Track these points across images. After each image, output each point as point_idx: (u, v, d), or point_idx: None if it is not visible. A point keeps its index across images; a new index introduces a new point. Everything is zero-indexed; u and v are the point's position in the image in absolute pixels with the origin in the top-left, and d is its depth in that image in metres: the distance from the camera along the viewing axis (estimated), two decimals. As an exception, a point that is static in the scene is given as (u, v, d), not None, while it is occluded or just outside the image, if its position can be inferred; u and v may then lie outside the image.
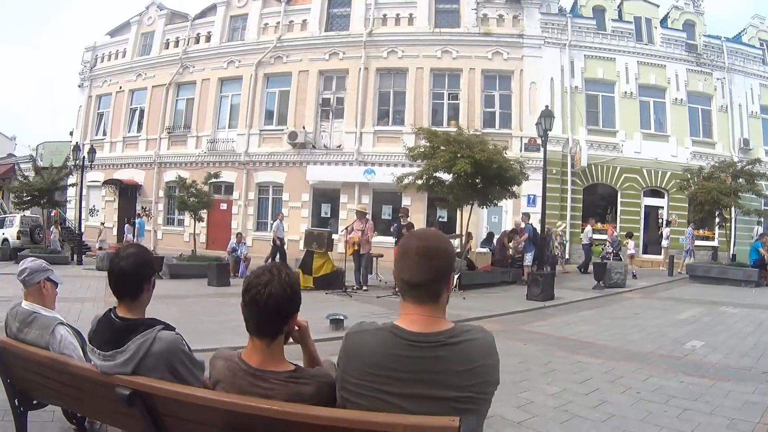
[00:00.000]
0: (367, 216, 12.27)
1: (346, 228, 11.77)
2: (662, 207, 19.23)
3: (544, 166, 13.08)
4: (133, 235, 18.81)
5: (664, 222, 18.27)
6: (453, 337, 1.60)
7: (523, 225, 13.78)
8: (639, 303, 10.42)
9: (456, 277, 10.75)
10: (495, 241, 14.77)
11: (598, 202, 19.14)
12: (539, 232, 13.12)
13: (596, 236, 18.33)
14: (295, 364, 1.85)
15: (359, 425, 1.53)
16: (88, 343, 2.20)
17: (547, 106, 13.73)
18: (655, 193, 19.18)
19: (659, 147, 18.91)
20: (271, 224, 19.40)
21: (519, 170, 12.63)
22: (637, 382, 4.81)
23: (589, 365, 5.46)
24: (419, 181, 12.50)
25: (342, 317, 7.04)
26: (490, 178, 11.99)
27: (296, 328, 1.94)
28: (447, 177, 12.26)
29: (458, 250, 13.13)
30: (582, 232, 17.30)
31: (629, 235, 16.37)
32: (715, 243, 18.00)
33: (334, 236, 13.11)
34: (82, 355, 2.42)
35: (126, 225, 19.31)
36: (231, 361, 1.84)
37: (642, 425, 3.74)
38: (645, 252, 18.70)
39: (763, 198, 18.96)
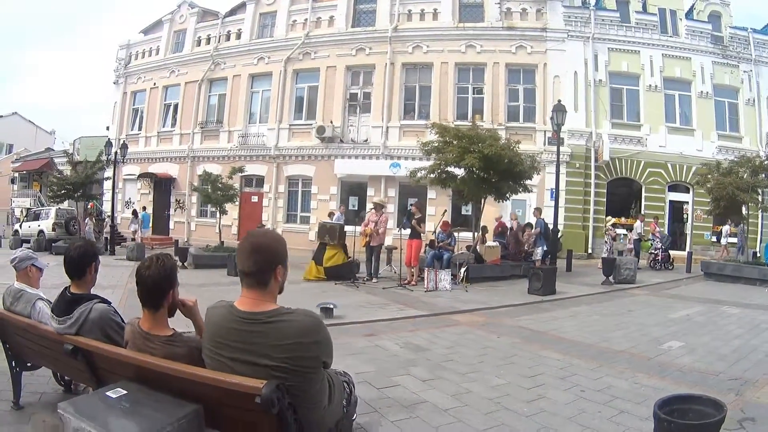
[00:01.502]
0: (384, 209, 12.57)
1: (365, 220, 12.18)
2: (687, 202, 19.22)
3: (557, 160, 13.44)
4: (139, 227, 19.67)
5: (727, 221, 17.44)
6: (272, 317, 2.06)
7: (535, 219, 14.03)
8: (640, 300, 10.20)
9: (463, 270, 11.15)
10: (509, 234, 15.03)
11: (623, 197, 19.09)
12: (553, 225, 13.37)
13: (619, 230, 18.68)
14: (174, 330, 2.49)
15: (199, 379, 2.11)
16: (51, 312, 3.00)
17: (559, 101, 14.02)
18: (680, 187, 19.15)
19: (684, 141, 18.85)
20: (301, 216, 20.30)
21: (530, 164, 12.75)
22: (588, 380, 4.76)
23: (549, 361, 5.45)
24: (431, 176, 12.73)
25: (332, 306, 7.37)
26: (501, 173, 12.14)
27: (183, 305, 2.57)
28: (459, 171, 12.46)
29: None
30: (606, 226, 17.18)
31: (630, 229, 16.83)
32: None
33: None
34: (53, 324, 3.03)
35: (132, 217, 20.16)
36: (133, 326, 2.51)
37: (565, 423, 3.72)
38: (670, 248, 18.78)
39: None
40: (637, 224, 16.31)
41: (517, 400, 4.18)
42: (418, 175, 13.32)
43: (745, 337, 6.71)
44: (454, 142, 12.24)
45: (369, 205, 18.80)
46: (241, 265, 2.15)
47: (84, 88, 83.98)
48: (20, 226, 22.97)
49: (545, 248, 13.77)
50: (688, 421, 2.81)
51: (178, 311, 2.58)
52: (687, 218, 19.10)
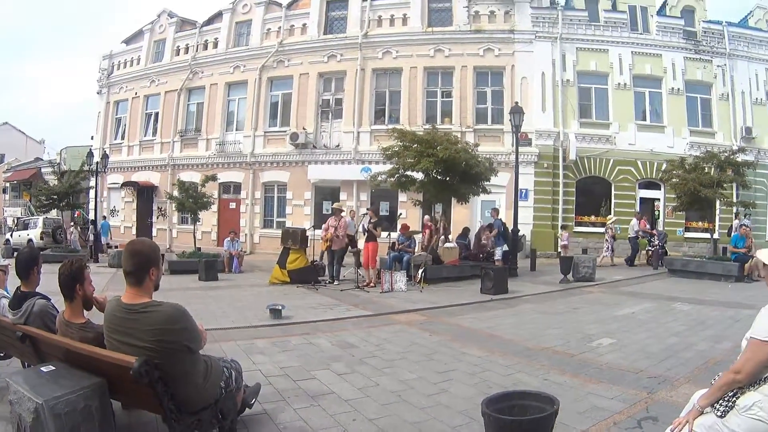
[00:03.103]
0: (342, 214, 12.88)
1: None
2: (658, 199, 19.29)
3: (515, 161, 13.66)
4: (95, 235, 19.86)
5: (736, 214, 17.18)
6: (145, 308, 2.65)
7: (493, 220, 14.24)
8: (591, 298, 10.24)
9: (421, 271, 11.42)
10: (473, 236, 15.24)
11: (592, 195, 19.21)
12: (513, 225, 13.59)
13: (592, 230, 18.85)
14: (88, 319, 3.25)
15: (96, 356, 2.76)
16: (8, 306, 3.71)
17: (516, 102, 14.19)
18: (651, 185, 19.20)
19: (655, 138, 18.90)
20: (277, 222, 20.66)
21: (487, 166, 12.99)
22: (499, 376, 4.89)
23: (469, 357, 5.57)
24: (391, 179, 13.03)
25: (280, 307, 7.74)
26: (460, 175, 12.38)
27: (97, 302, 3.31)
28: (419, 175, 12.71)
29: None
30: (608, 225, 17.20)
31: (564, 227, 17.14)
32: (716, 235, 17.71)
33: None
34: (9, 316, 3.67)
35: (72, 227, 20.47)
36: (60, 317, 3.26)
37: (454, 415, 3.91)
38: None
39: (759, 189, 18.96)
40: (634, 222, 16.40)
41: (418, 393, 4.41)
42: (379, 179, 13.67)
43: (685, 335, 6.68)
44: (413, 146, 12.51)
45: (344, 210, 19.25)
46: (123, 267, 2.74)
47: (75, 95, 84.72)
48: (11, 235, 23.39)
49: (506, 248, 13.95)
50: (515, 417, 2.84)
51: (95, 305, 3.32)
52: (658, 215, 19.17)
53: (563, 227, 17.43)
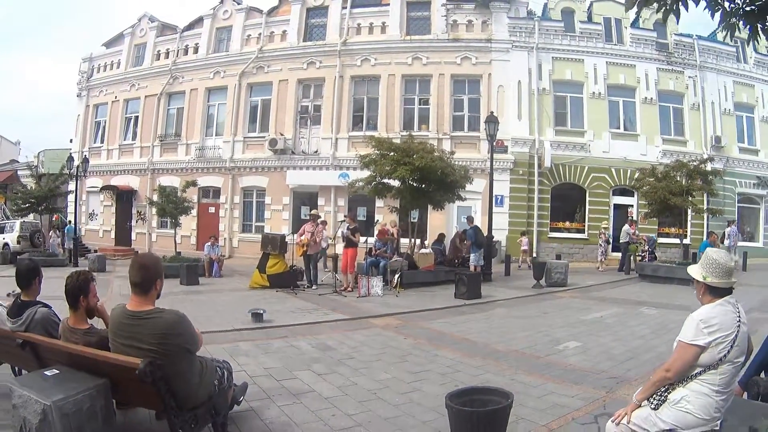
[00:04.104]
0: (319, 220, 13.09)
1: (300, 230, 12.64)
2: (632, 205, 19.62)
3: (490, 169, 13.90)
4: (62, 240, 19.92)
5: (729, 222, 17.74)
6: (149, 315, 2.92)
7: (468, 227, 14.44)
8: (562, 302, 10.48)
9: (397, 276, 11.63)
10: (449, 242, 15.45)
11: (567, 202, 19.54)
12: (487, 231, 13.81)
13: (567, 236, 19.18)
14: (91, 325, 3.51)
15: (101, 358, 2.99)
16: (6, 314, 3.82)
17: (492, 112, 14.46)
18: (625, 191, 19.55)
19: (628, 146, 19.33)
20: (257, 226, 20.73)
21: (462, 175, 13.29)
22: (468, 376, 5.12)
23: (441, 359, 5.83)
24: (368, 186, 13.27)
25: (261, 311, 8.00)
26: (436, 183, 12.67)
27: (97, 310, 3.55)
28: (396, 182, 12.98)
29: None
30: (601, 230, 17.47)
31: (523, 233, 17.59)
32: (687, 240, 18.18)
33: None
34: (8, 324, 3.80)
35: (50, 231, 20.32)
36: (63, 323, 3.53)
37: (426, 411, 4.17)
38: (615, 250, 19.12)
39: (727, 195, 19.48)
40: (626, 228, 16.57)
41: (393, 392, 4.69)
42: (356, 185, 13.88)
43: (648, 338, 6.98)
44: (390, 154, 12.75)
45: (320, 216, 19.34)
46: (131, 278, 3.00)
47: (50, 95, 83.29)
48: None
49: (481, 254, 14.05)
50: (474, 408, 3.16)
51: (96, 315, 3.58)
52: (631, 221, 19.47)
53: (523, 233, 17.82)
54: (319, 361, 5.75)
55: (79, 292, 3.40)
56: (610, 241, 17.29)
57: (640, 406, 2.70)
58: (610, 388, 4.75)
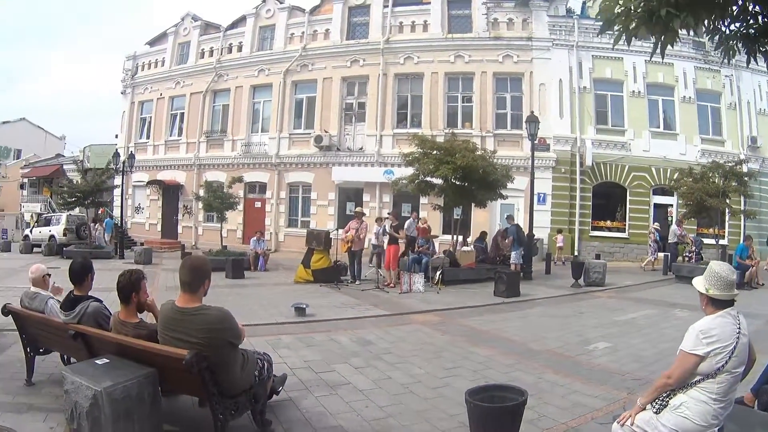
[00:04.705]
0: (363, 217, 13.45)
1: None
2: (671, 205, 19.77)
3: (531, 168, 14.20)
4: (102, 234, 20.58)
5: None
6: (196, 311, 3.21)
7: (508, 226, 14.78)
8: (598, 302, 10.54)
9: (438, 273, 12.03)
10: (491, 239, 15.86)
11: (608, 200, 19.80)
12: (528, 230, 14.30)
13: (608, 234, 19.57)
14: (141, 318, 3.76)
15: (151, 350, 3.28)
16: (59, 307, 4.17)
17: (532, 112, 14.85)
18: (665, 191, 19.64)
19: (668, 145, 19.48)
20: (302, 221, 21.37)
21: (504, 173, 13.55)
22: (499, 374, 5.28)
23: (474, 356, 5.99)
24: (411, 184, 13.64)
25: (304, 306, 8.24)
26: (477, 182, 12.95)
27: (147, 305, 3.81)
28: (438, 180, 13.24)
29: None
30: (651, 230, 17.75)
31: (559, 231, 17.96)
32: (725, 242, 18.14)
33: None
34: (61, 317, 4.14)
35: (92, 224, 20.81)
36: (114, 317, 3.79)
37: (453, 405, 4.25)
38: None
39: (764, 197, 19.57)
40: (674, 228, 16.59)
41: (425, 386, 4.89)
42: (400, 183, 14.36)
43: (677, 341, 6.65)
44: (433, 153, 13.07)
45: (365, 211, 19.89)
46: (182, 277, 3.29)
47: (94, 91, 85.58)
48: (30, 231, 23.69)
49: (521, 252, 14.36)
50: (492, 404, 3.38)
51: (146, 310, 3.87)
52: (671, 221, 19.81)
53: (559, 231, 18.31)
54: (357, 355, 5.97)
55: (131, 289, 3.66)
56: (659, 241, 17.32)
57: (644, 409, 2.82)
58: (632, 390, 4.80)
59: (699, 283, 2.83)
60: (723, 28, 3.47)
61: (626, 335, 7.43)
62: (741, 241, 14.56)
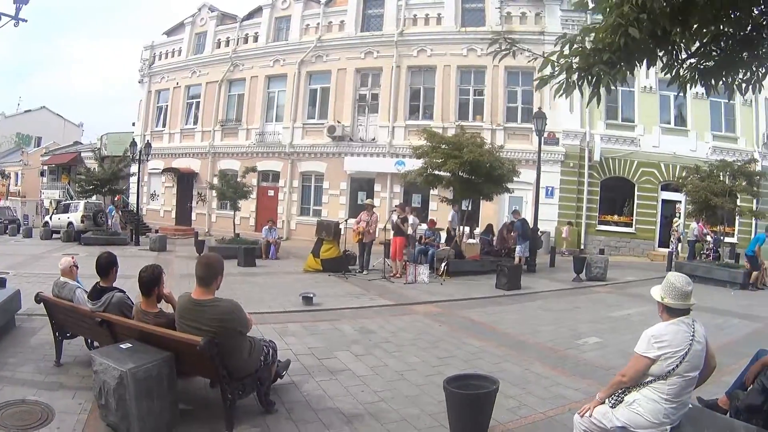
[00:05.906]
0: (374, 209, 13.71)
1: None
2: (680, 201, 19.70)
3: (538, 163, 14.40)
4: (118, 221, 21.44)
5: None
6: (210, 303, 3.60)
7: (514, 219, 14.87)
8: (596, 297, 10.63)
9: (443, 265, 12.30)
10: (497, 232, 16.11)
11: (616, 195, 19.91)
12: (533, 224, 14.59)
13: (614, 229, 19.73)
14: (160, 309, 4.16)
15: (169, 336, 3.69)
16: (87, 297, 4.58)
17: (540, 108, 15.06)
18: (674, 187, 19.68)
19: (678, 141, 19.47)
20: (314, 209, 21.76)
21: (510, 168, 13.72)
22: (488, 364, 5.52)
23: (468, 347, 6.23)
24: (420, 177, 13.91)
25: (311, 295, 8.50)
26: (484, 176, 13.15)
27: (166, 297, 4.23)
28: (446, 174, 13.44)
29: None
30: (674, 227, 17.88)
31: (569, 223, 18.19)
32: (734, 240, 18.13)
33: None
34: (88, 305, 4.54)
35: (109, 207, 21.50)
36: (137, 306, 4.19)
37: (441, 392, 4.15)
38: (661, 245, 19.41)
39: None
40: (693, 225, 16.39)
41: (418, 374, 5.20)
42: (409, 176, 14.66)
43: None
44: (441, 147, 13.29)
45: (376, 201, 20.21)
46: (197, 272, 3.67)
47: (112, 78, 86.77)
48: (50, 217, 24.08)
49: (526, 246, 14.49)
50: (466, 391, 3.71)
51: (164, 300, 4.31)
52: (679, 217, 19.86)
53: (569, 223, 18.61)
54: (358, 343, 6.25)
55: (153, 283, 4.09)
56: (681, 239, 17.23)
57: (602, 403, 3.03)
58: None
59: (656, 292, 3.01)
60: (677, 65, 3.59)
61: (617, 331, 7.53)
62: (763, 231, 13.86)
